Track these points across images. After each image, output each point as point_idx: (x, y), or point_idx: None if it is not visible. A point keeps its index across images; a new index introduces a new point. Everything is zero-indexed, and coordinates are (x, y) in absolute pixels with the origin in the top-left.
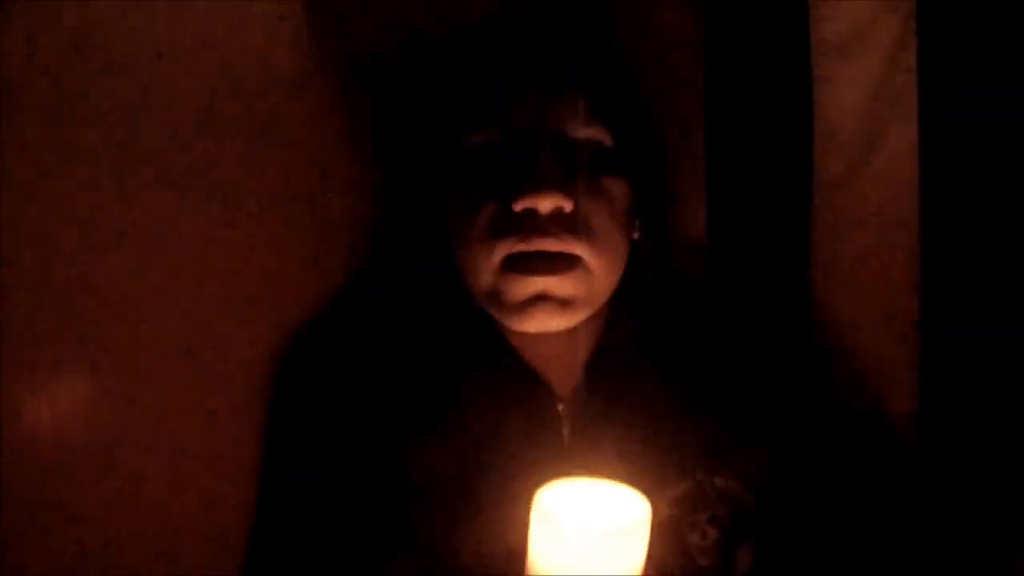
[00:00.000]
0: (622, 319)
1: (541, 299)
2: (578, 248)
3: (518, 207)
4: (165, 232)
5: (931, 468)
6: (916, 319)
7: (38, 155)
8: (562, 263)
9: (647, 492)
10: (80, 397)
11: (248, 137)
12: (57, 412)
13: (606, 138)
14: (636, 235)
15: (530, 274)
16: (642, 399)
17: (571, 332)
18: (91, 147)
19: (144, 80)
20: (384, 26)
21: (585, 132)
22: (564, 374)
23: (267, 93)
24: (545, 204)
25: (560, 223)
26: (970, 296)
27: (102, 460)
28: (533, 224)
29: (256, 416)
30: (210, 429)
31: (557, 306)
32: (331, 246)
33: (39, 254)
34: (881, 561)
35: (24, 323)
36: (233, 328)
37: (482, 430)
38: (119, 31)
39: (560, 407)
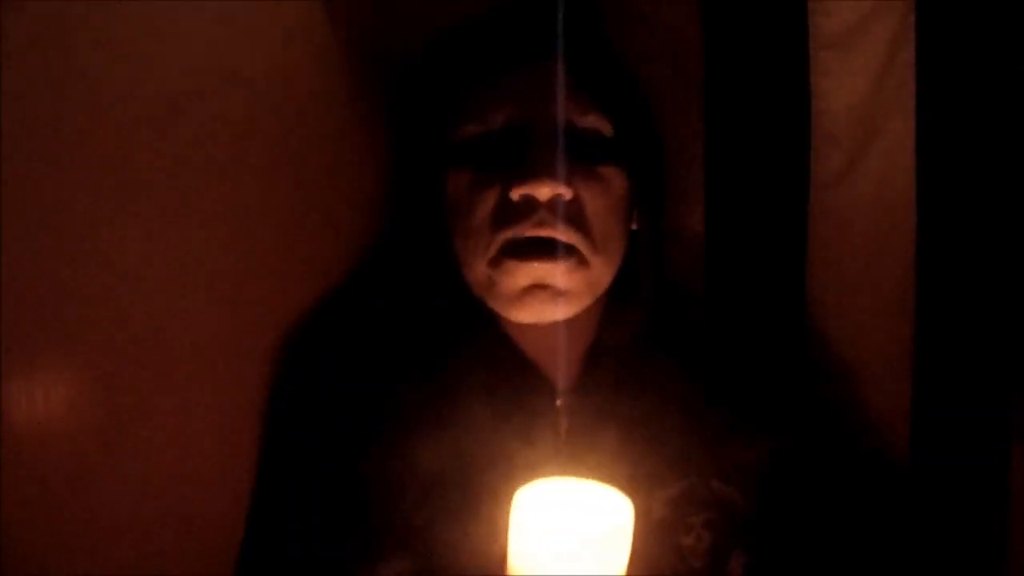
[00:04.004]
0: (621, 313)
1: (537, 288)
2: (575, 238)
3: (516, 195)
4: (166, 232)
5: (924, 470)
6: (913, 316)
7: (39, 156)
8: (559, 251)
9: (642, 490)
10: (80, 397)
11: (249, 137)
12: (57, 412)
13: (605, 127)
14: (635, 226)
15: (526, 260)
16: (640, 397)
17: (570, 324)
18: (92, 148)
19: (146, 80)
20: (388, 22)
21: (583, 121)
22: (563, 369)
23: (268, 92)
24: (543, 192)
25: (558, 212)
26: (967, 293)
27: (102, 460)
28: (531, 213)
29: (257, 414)
30: (211, 428)
31: (552, 296)
32: (331, 244)
33: (39, 254)
34: (874, 566)
35: (24, 323)
36: (233, 327)
37: (480, 426)
38: (125, 33)
39: (558, 403)
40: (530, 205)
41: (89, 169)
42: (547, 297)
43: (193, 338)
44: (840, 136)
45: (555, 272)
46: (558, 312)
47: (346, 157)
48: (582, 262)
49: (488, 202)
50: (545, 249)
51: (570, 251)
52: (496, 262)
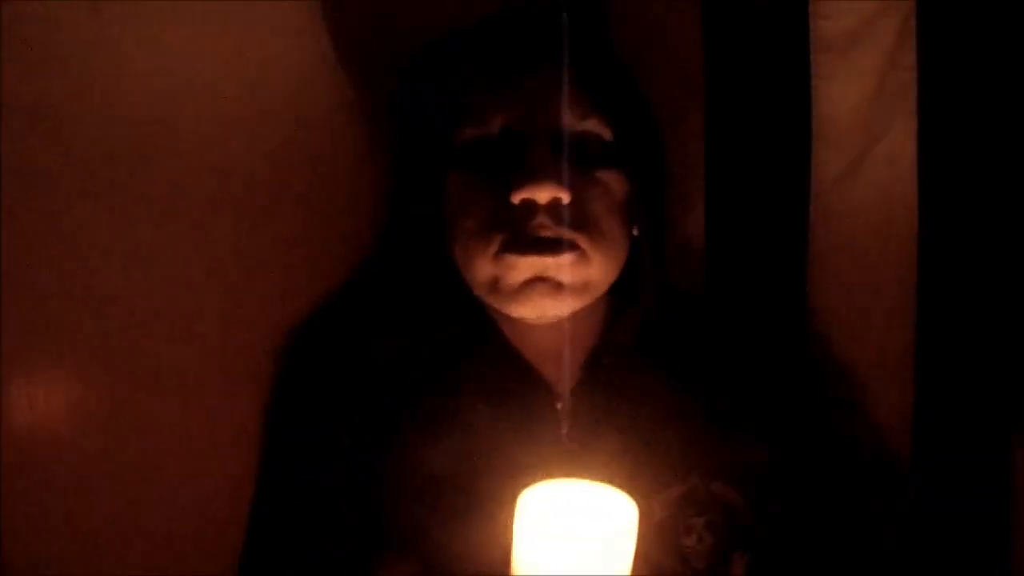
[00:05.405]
0: (622, 317)
1: (538, 281)
2: (575, 237)
3: (516, 199)
4: (165, 231)
5: (926, 471)
6: (913, 319)
7: (39, 155)
8: (559, 246)
9: (643, 493)
10: (80, 397)
11: (248, 137)
12: (57, 412)
13: (605, 131)
14: (635, 231)
15: (527, 254)
16: (641, 399)
17: (570, 327)
18: (92, 148)
19: (146, 81)
20: (388, 24)
21: (583, 125)
22: (563, 372)
23: (268, 93)
24: (543, 195)
25: (557, 215)
26: (968, 296)
27: (102, 460)
28: (531, 216)
29: (257, 414)
30: (212, 429)
31: (553, 289)
32: (332, 244)
33: (39, 255)
34: (876, 567)
35: (24, 323)
36: (234, 328)
37: (480, 428)
38: (124, 34)
39: (559, 406)
40: (530, 208)
41: (89, 171)
42: (547, 290)
43: (194, 339)
44: (841, 139)
45: (556, 265)
46: (558, 306)
47: (347, 159)
48: (583, 257)
49: (488, 205)
50: (547, 244)
51: (572, 246)
52: (498, 258)
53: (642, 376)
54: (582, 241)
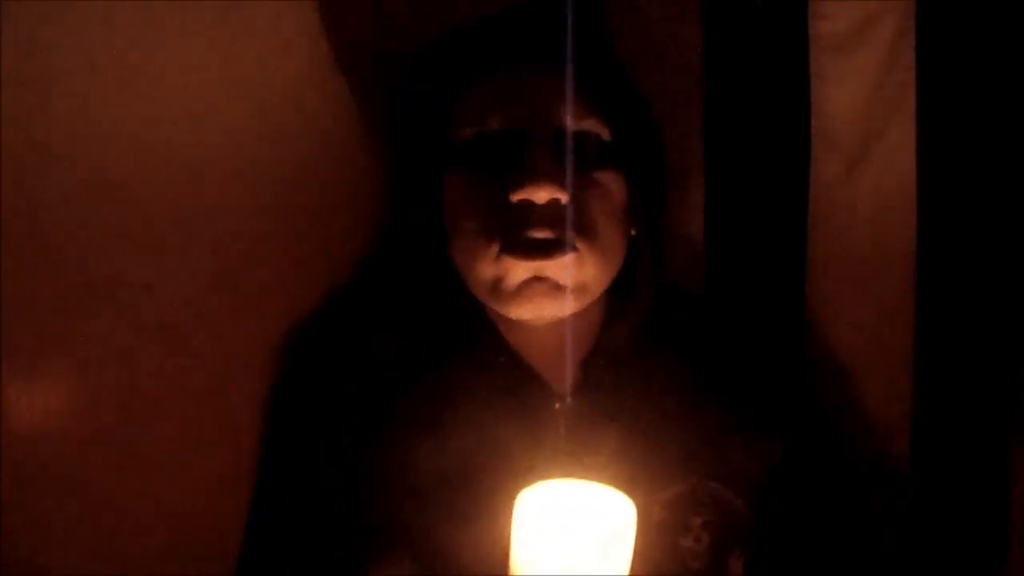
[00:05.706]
0: (620, 318)
1: (536, 281)
2: (573, 237)
3: (514, 199)
4: (165, 232)
5: (925, 471)
6: (912, 319)
7: (39, 155)
8: (556, 247)
9: (642, 493)
10: (80, 397)
11: (248, 138)
12: (57, 412)
13: (604, 131)
14: (634, 231)
15: (525, 257)
16: (639, 399)
17: (569, 328)
18: (91, 149)
19: (146, 83)
20: (386, 24)
21: (582, 125)
22: (562, 372)
23: (267, 94)
24: (541, 195)
25: (555, 215)
26: (967, 296)
27: (102, 460)
28: (529, 215)
29: (256, 415)
30: (210, 427)
31: (551, 289)
32: (332, 244)
33: (39, 254)
34: (874, 568)
35: (24, 323)
36: (233, 327)
37: (479, 428)
38: (123, 36)
39: (557, 406)
40: (528, 209)
41: (88, 172)
42: (546, 290)
43: (194, 339)
44: (840, 140)
45: (554, 267)
46: (556, 307)
47: (347, 160)
48: (579, 258)
49: (486, 205)
50: (545, 246)
51: (570, 247)
52: (497, 262)
53: (641, 376)
54: (579, 241)
